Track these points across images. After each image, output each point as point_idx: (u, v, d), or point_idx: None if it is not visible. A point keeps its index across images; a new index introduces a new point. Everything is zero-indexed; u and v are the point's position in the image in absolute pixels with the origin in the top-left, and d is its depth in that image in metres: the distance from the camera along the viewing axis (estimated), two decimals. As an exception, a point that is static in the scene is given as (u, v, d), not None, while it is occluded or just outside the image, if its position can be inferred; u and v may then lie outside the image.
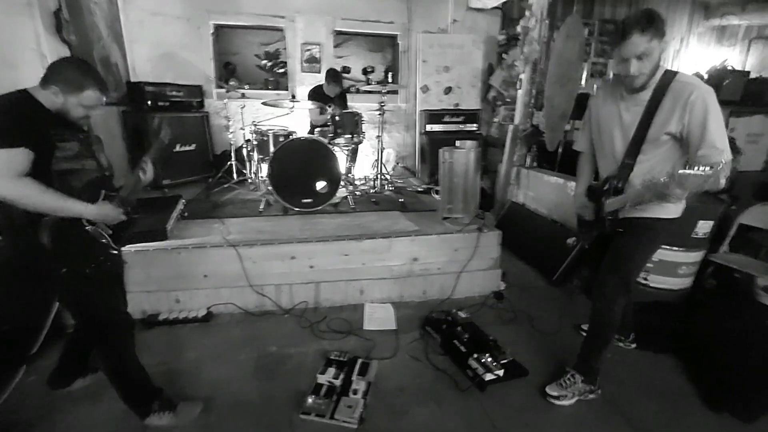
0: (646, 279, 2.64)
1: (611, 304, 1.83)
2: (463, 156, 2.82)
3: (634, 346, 2.34)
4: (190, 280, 2.58)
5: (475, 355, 2.11)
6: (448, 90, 5.23)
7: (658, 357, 2.30)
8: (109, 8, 4.16)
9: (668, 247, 2.51)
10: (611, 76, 5.65)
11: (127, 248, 2.45)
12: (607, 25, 5.58)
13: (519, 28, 4.03)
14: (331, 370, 2.04)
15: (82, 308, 1.61)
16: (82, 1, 3.60)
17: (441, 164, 2.93)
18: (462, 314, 2.58)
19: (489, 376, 1.96)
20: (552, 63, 3.64)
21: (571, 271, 3.21)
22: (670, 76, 1.52)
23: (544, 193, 3.77)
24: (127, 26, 4.41)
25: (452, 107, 5.21)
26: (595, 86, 5.50)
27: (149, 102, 4.04)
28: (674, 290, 2.65)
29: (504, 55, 5.00)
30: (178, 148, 4.31)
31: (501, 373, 1.99)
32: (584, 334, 2.45)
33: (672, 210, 1.70)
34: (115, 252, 1.57)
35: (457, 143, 2.93)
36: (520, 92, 4.08)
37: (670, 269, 2.59)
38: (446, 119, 4.91)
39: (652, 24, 1.42)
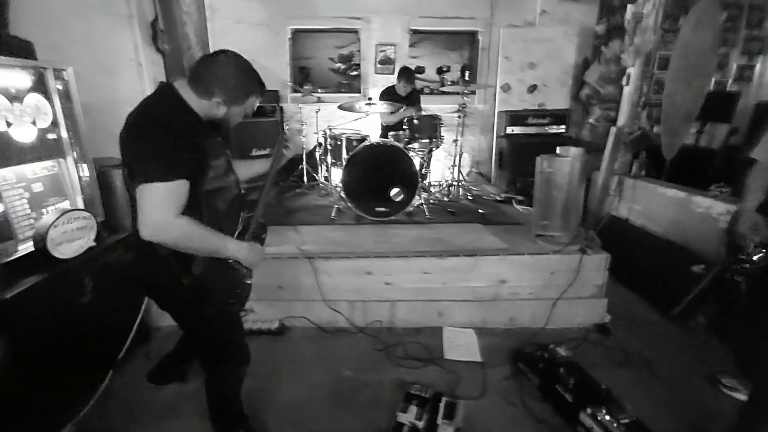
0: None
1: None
2: (567, 165, 2.42)
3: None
4: (266, 291, 2.50)
5: (589, 410, 1.73)
6: (533, 88, 4.75)
7: None
8: (198, 18, 4.34)
9: None
10: (734, 69, 4.76)
11: (207, 255, 2.44)
12: (730, 10, 4.69)
13: (628, 16, 3.47)
14: (413, 409, 1.80)
15: (207, 342, 1.47)
16: (175, 11, 3.77)
17: (537, 174, 2.56)
18: (562, 351, 2.18)
19: (612, 443, 1.58)
20: (676, 54, 3.06)
21: (696, 305, 2.64)
22: None
23: (658, 207, 3.19)
24: (213, 35, 4.59)
25: (536, 107, 4.73)
26: (713, 81, 4.67)
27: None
28: None
29: (603, 48, 4.41)
30: (254, 153, 4.38)
31: (627, 439, 1.59)
32: (726, 390, 1.99)
33: None
34: (250, 283, 1.42)
35: (559, 150, 2.53)
36: (626, 89, 3.51)
37: None
38: (530, 120, 4.45)
39: None
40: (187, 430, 1.78)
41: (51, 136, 1.83)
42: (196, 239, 1.13)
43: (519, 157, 4.33)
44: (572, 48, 4.59)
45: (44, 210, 1.76)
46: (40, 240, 1.58)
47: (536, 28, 4.66)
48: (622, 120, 3.58)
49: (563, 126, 4.47)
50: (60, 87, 1.87)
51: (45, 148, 1.79)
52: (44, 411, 1.61)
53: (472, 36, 5.01)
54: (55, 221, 1.61)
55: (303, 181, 4.26)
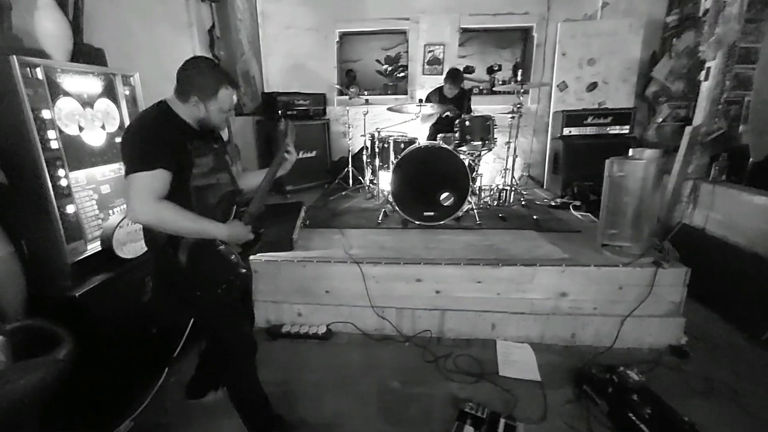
0: None
1: None
2: (641, 169, 2.19)
3: None
4: (313, 295, 2.48)
5: (671, 447, 1.53)
6: (593, 86, 4.43)
7: None
8: (251, 25, 4.48)
9: None
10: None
11: (258, 257, 2.46)
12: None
13: (708, 4, 3.13)
14: (469, 429, 1.69)
15: (208, 329, 1.60)
16: (230, 19, 3.90)
17: (606, 178, 2.34)
18: (634, 375, 1.96)
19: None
20: (767, 45, 2.71)
21: (793, 329, 2.30)
22: None
23: (743, 216, 2.83)
24: (264, 41, 4.72)
25: (596, 106, 4.40)
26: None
27: (280, 111, 4.22)
28: None
29: (674, 41, 4.02)
30: (300, 155, 4.43)
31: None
32: None
33: None
34: (245, 271, 1.44)
35: (631, 152, 2.30)
36: (705, 84, 3.17)
37: None
38: (589, 121, 4.14)
39: None
40: (239, 429, 1.77)
41: (118, 140, 1.91)
42: (172, 220, 1.24)
43: (576, 159, 4.05)
44: (638, 42, 4.23)
45: (111, 211, 1.83)
46: (106, 240, 1.64)
47: (597, 22, 4.35)
48: (699, 118, 3.24)
49: (627, 126, 4.12)
50: (127, 92, 1.95)
51: (113, 151, 1.86)
52: (105, 407, 1.67)
53: (525, 33, 4.78)
54: (120, 222, 1.67)
55: (348, 184, 4.25)
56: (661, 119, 4.18)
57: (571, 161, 4.10)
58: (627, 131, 4.14)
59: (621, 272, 2.27)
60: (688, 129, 3.23)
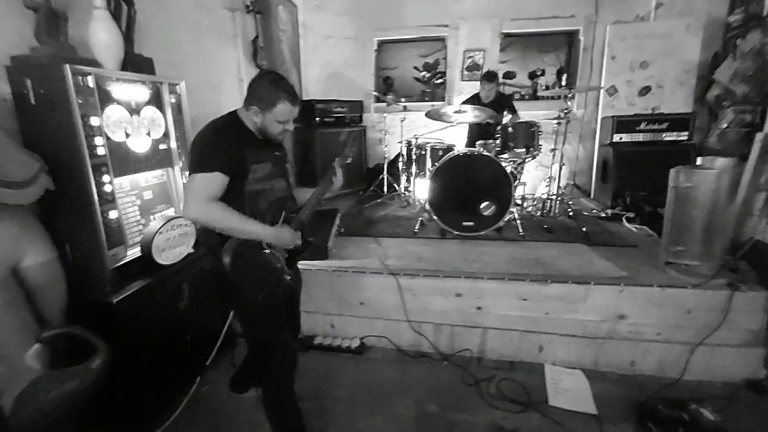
0: None
1: None
2: (712, 180, 1.96)
3: None
4: (347, 306, 2.40)
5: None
6: (645, 90, 4.13)
7: None
8: (292, 35, 4.55)
9: None
10: None
11: (293, 266, 2.42)
12: None
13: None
14: (516, 465, 1.52)
15: (249, 333, 1.66)
16: (273, 30, 3.97)
17: (671, 189, 2.11)
18: (708, 413, 1.73)
19: None
20: None
21: None
22: None
23: (832, 234, 2.48)
24: (304, 50, 4.79)
25: (648, 111, 4.10)
26: None
27: (317, 118, 4.24)
28: None
29: (738, 41, 3.68)
30: (336, 162, 4.40)
31: None
32: None
33: None
34: (289, 278, 1.48)
35: (700, 160, 2.08)
36: (781, 87, 2.85)
37: None
38: (642, 126, 3.85)
39: None
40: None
41: (162, 146, 1.93)
42: (219, 219, 1.32)
43: (627, 168, 3.77)
44: (696, 43, 3.91)
45: (152, 216, 1.84)
46: (146, 246, 1.63)
47: (650, 23, 4.06)
48: (774, 124, 2.90)
49: (685, 132, 3.79)
50: (173, 100, 1.97)
51: (156, 158, 1.88)
52: (137, 415, 1.64)
53: (570, 36, 4.56)
54: (160, 228, 1.66)
55: (383, 191, 4.18)
56: (725, 125, 3.81)
57: (622, 170, 3.82)
58: (685, 138, 3.81)
59: (689, 294, 2.03)
60: (759, 135, 2.90)
